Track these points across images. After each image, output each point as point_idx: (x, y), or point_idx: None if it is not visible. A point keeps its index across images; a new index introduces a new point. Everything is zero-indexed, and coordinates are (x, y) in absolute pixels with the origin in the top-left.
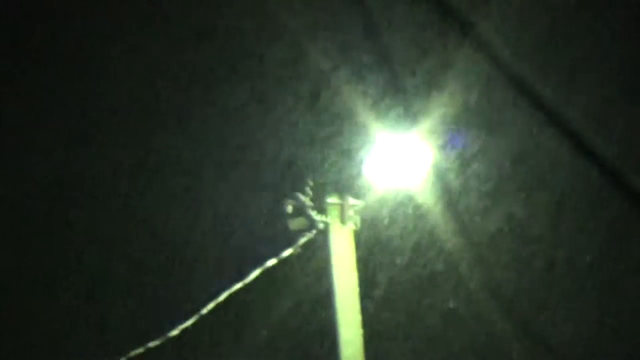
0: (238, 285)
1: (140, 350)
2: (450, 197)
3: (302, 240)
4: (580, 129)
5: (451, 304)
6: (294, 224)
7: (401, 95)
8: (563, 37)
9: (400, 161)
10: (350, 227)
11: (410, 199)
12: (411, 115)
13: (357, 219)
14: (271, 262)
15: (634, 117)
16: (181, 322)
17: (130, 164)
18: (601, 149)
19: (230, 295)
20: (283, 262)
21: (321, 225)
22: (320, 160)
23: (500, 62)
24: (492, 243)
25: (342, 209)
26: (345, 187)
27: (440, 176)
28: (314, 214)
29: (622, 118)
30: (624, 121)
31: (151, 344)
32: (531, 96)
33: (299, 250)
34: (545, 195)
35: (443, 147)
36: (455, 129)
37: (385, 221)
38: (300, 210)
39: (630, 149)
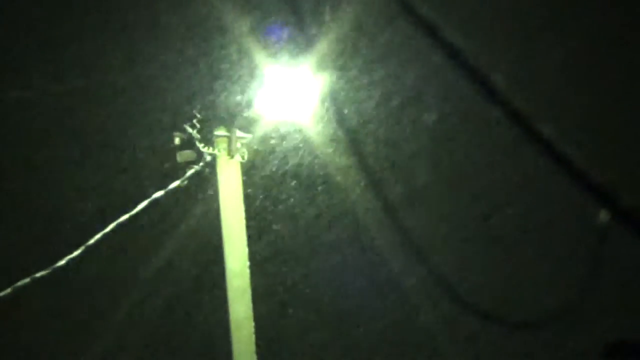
0: (125, 217)
1: (27, 280)
2: (341, 130)
3: (190, 172)
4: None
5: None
6: (182, 156)
7: (292, 26)
8: None
9: (289, 93)
10: (238, 159)
11: (299, 131)
12: (301, 47)
13: (245, 151)
14: (158, 193)
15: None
16: (68, 253)
17: None
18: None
19: (118, 226)
20: (171, 194)
21: (209, 158)
22: (208, 93)
23: None
24: (388, 178)
25: (230, 141)
26: (233, 120)
27: (331, 109)
28: (201, 146)
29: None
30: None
31: (38, 275)
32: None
33: (185, 182)
34: (441, 127)
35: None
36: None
37: (274, 154)
38: (188, 143)
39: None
